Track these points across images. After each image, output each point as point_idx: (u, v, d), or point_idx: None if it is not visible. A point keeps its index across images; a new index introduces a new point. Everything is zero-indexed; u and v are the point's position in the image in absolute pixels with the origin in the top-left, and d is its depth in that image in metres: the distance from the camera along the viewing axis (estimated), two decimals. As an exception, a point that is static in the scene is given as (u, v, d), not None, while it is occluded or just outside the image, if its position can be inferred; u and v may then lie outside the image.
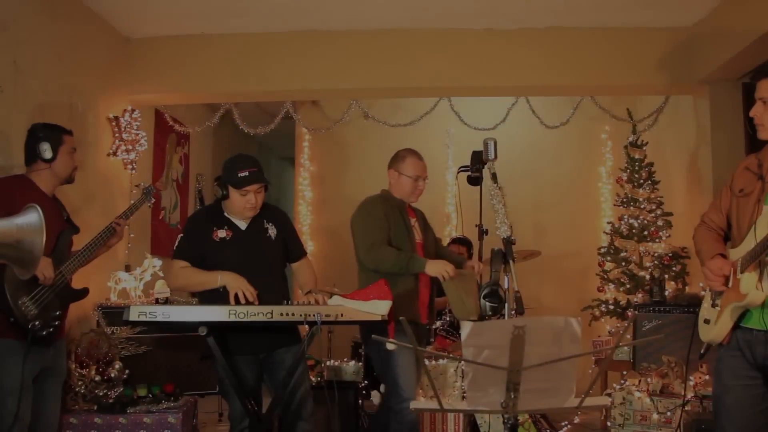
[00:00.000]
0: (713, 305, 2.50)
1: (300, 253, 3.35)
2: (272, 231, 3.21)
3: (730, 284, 2.41)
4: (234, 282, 2.97)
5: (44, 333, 3.00)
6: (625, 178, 5.55)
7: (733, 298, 2.38)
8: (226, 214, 3.16)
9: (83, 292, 3.32)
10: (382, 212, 3.41)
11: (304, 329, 2.91)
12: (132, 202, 3.70)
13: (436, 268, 3.32)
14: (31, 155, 3.22)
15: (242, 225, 3.16)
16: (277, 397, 3.00)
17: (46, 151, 3.18)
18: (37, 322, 2.95)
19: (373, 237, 3.36)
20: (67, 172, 3.30)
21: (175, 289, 3.34)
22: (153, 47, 5.23)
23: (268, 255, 3.18)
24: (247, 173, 3.03)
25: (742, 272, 2.35)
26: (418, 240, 3.54)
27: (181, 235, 3.16)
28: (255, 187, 3.06)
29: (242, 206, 3.08)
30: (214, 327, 2.83)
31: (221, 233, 3.10)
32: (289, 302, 2.89)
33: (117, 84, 5.06)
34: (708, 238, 2.58)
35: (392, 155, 3.61)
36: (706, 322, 2.53)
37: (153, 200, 3.83)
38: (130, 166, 5.10)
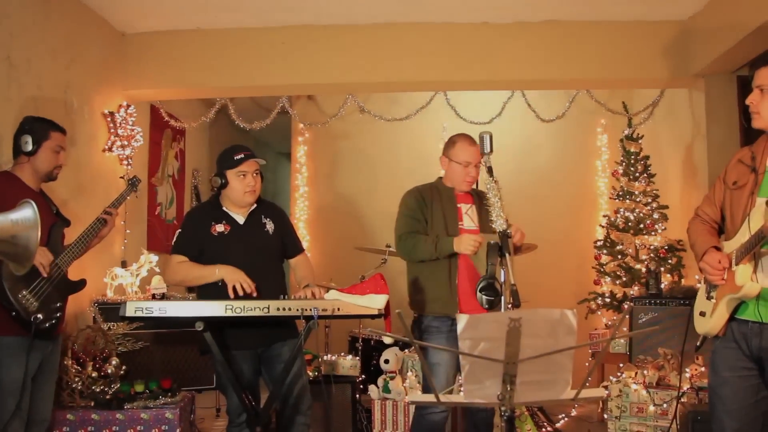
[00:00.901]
0: (708, 297, 2.51)
1: (297, 248, 3.36)
2: (270, 226, 3.22)
3: (725, 276, 2.42)
4: (232, 275, 2.98)
5: (47, 325, 3.00)
6: (620, 171, 5.55)
7: (728, 291, 2.39)
8: (224, 208, 3.17)
9: (81, 284, 3.33)
10: (415, 203, 3.31)
11: (301, 323, 2.91)
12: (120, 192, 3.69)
13: (462, 245, 3.08)
14: (16, 148, 3.20)
15: (240, 219, 3.17)
16: (275, 392, 3.00)
17: (27, 144, 3.15)
18: (39, 315, 2.95)
19: (401, 229, 3.30)
20: (46, 168, 3.23)
21: (174, 284, 3.34)
22: (148, 42, 5.21)
23: (266, 249, 3.19)
24: (242, 155, 3.12)
25: (736, 264, 2.36)
26: (472, 227, 3.30)
27: (180, 230, 3.17)
28: (252, 167, 3.12)
29: (242, 190, 3.10)
30: (210, 322, 2.83)
31: (219, 227, 3.12)
32: (286, 297, 2.90)
33: (112, 79, 5.04)
34: (702, 231, 2.59)
35: (445, 144, 3.46)
36: (702, 314, 2.54)
37: (138, 190, 3.79)
38: (125, 162, 5.08)
